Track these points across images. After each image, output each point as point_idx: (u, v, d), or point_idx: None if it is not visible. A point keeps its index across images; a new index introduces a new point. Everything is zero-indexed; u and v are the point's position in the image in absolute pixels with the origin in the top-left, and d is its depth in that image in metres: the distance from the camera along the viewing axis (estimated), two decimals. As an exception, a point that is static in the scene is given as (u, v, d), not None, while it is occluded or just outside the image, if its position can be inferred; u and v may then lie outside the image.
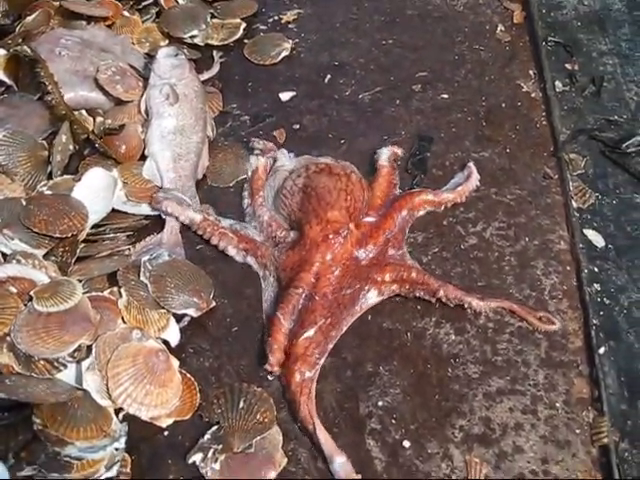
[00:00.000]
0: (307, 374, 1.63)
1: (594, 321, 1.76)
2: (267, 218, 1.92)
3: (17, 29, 2.18)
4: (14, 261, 1.71)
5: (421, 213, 1.96)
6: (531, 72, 2.32)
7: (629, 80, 2.27)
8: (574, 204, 1.98)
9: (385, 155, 2.05)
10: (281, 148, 2.11)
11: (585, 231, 1.93)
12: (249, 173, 2.06)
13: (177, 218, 1.89)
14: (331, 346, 1.69)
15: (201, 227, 1.89)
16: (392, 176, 2.04)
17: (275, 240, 1.88)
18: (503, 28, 2.45)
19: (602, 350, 1.72)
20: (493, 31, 2.45)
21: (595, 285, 1.83)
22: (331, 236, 1.79)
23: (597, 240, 1.91)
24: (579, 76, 2.30)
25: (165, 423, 1.63)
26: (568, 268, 1.86)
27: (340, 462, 1.51)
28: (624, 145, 2.09)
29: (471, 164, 2.03)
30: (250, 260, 1.87)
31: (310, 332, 1.67)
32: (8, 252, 1.74)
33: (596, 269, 1.86)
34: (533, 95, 2.25)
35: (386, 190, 2.00)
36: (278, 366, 1.64)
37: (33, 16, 2.20)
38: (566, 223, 1.94)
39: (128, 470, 1.56)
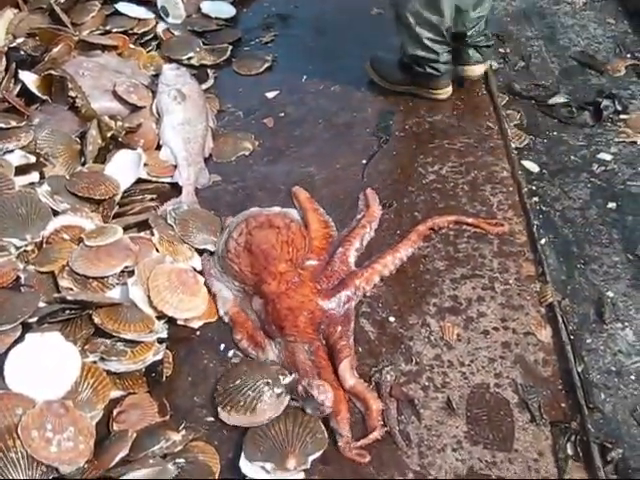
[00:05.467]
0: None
1: (535, 222, 2.18)
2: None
3: (46, 59, 2.65)
4: (66, 214, 2.12)
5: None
6: (471, 58, 2.79)
7: (552, 55, 2.78)
8: (512, 145, 2.42)
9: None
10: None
11: (523, 162, 2.38)
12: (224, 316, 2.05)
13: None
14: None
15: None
16: (322, 218, 2.24)
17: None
18: (446, 28, 2.95)
19: (543, 241, 2.14)
20: (437, 32, 2.95)
21: (534, 198, 2.27)
22: (290, 285, 1.99)
23: (533, 167, 2.36)
24: (511, 56, 2.78)
25: (197, 324, 2.02)
26: (511, 189, 2.29)
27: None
28: (550, 100, 2.55)
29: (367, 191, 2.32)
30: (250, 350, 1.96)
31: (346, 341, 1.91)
32: (59, 210, 2.15)
33: (534, 187, 2.30)
34: (474, 74, 2.73)
35: (323, 233, 2.19)
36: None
37: (58, 48, 2.68)
38: (507, 158, 2.38)
39: (170, 360, 1.94)
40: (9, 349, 1.80)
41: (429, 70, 2.52)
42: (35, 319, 1.86)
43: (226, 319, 2.01)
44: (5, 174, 2.19)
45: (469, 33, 2.50)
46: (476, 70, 2.64)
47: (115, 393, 1.87)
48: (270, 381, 1.82)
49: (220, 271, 2.11)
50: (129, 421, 1.81)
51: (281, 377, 1.83)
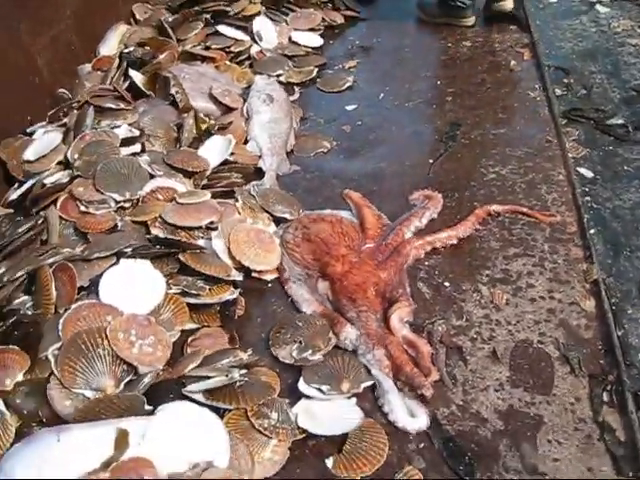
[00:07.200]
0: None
1: (586, 216, 2.35)
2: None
3: (153, 62, 3.00)
4: (162, 177, 2.40)
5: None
6: (537, 86, 3.04)
7: (614, 86, 3.00)
8: (569, 154, 2.62)
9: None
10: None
11: (578, 169, 2.56)
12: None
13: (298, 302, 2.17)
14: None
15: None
16: (375, 212, 2.42)
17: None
18: (515, 62, 3.21)
19: (592, 231, 2.31)
20: (507, 65, 3.21)
21: (586, 197, 2.45)
22: (353, 265, 2.18)
23: (587, 173, 2.55)
24: (574, 85, 3.01)
25: (269, 277, 2.24)
26: (565, 189, 2.47)
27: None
28: (608, 122, 2.76)
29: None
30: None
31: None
32: (156, 176, 2.43)
33: (587, 189, 2.48)
34: (538, 99, 2.96)
35: (377, 223, 2.36)
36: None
37: (164, 55, 3.02)
38: (563, 164, 2.57)
39: (243, 304, 2.16)
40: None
41: (458, 3, 3.48)
42: (129, 250, 2.10)
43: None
44: (113, 143, 2.48)
45: None
46: (506, 5, 3.49)
47: (191, 325, 2.07)
48: (302, 343, 1.99)
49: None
50: (202, 346, 2.00)
51: (310, 351, 1.97)
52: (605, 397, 1.82)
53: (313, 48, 3.43)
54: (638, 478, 1.65)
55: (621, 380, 1.83)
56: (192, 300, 2.09)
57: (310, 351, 1.97)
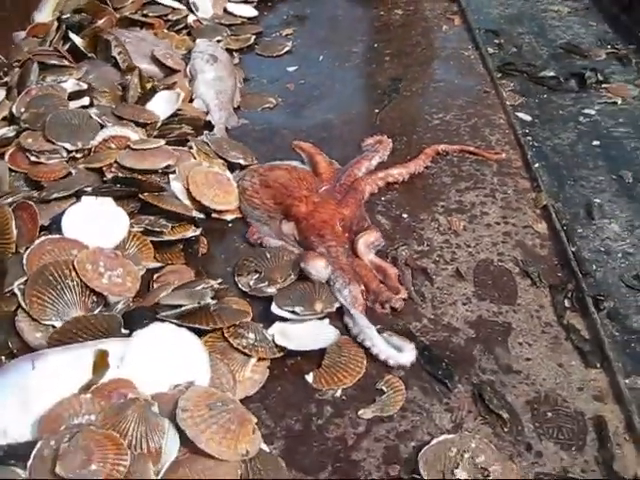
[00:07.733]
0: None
1: (529, 153, 2.46)
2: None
3: (92, 27, 2.97)
4: (114, 126, 2.38)
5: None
6: (469, 46, 3.16)
7: (541, 45, 3.15)
8: (507, 102, 2.74)
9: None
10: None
11: (517, 113, 2.68)
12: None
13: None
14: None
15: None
16: (327, 159, 2.46)
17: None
18: (447, 27, 3.34)
19: (536, 165, 2.42)
20: (440, 29, 3.33)
21: (527, 137, 2.56)
22: (316, 205, 2.20)
23: (525, 117, 2.67)
24: (504, 45, 3.15)
25: (229, 217, 2.25)
26: (507, 131, 2.59)
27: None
28: (540, 74, 2.90)
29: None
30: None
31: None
32: (106, 126, 2.41)
33: (527, 131, 2.60)
34: (472, 57, 3.08)
35: (327, 167, 2.41)
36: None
37: (102, 20, 3.02)
38: (503, 110, 2.69)
39: (205, 243, 2.16)
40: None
41: None
42: (89, 189, 2.08)
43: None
44: (60, 96, 2.45)
45: None
46: None
47: (155, 264, 2.06)
48: (262, 274, 2.01)
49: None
50: (169, 282, 1.99)
51: (266, 282, 1.98)
52: (567, 303, 1.90)
53: (248, 18, 3.45)
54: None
55: (580, 287, 1.92)
56: (155, 238, 2.07)
57: (266, 283, 1.98)
